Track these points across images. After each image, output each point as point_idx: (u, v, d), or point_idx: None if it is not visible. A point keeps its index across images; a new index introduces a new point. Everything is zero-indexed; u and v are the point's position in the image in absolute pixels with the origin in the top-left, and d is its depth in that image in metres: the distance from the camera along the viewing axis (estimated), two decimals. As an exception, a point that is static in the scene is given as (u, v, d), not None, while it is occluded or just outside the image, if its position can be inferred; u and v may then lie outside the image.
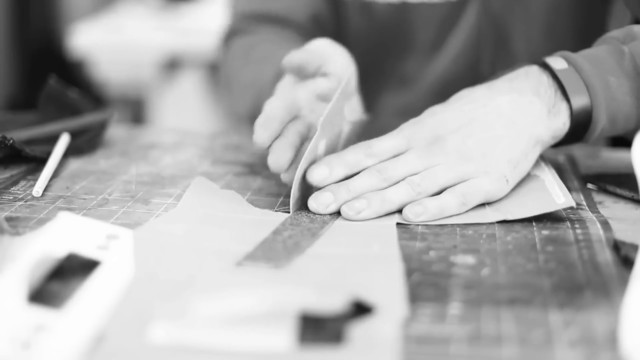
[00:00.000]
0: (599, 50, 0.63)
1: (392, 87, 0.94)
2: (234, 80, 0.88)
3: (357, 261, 0.51)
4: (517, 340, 0.42)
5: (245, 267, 0.49)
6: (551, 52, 0.65)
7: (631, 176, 0.63)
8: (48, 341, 0.39)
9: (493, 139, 0.60)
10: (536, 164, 0.64)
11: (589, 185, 0.67)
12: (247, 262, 0.50)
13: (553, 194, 0.60)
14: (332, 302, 0.43)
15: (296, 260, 0.51)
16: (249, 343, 0.41)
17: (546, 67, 0.62)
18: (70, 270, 0.47)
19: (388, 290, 0.46)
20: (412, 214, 0.58)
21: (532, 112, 0.60)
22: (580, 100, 0.60)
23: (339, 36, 0.93)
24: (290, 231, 0.55)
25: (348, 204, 0.58)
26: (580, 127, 0.62)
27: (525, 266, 0.50)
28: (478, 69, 0.90)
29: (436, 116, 0.61)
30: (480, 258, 0.52)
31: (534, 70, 0.63)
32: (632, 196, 0.63)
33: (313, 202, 0.59)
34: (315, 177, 0.59)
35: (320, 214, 0.58)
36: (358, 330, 0.42)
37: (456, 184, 0.59)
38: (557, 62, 0.62)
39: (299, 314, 0.42)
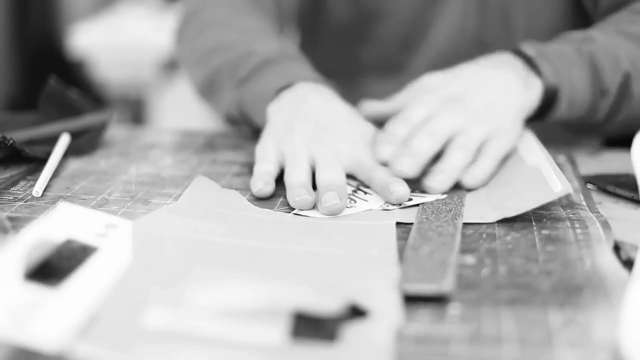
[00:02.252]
0: (564, 46, 0.73)
1: (381, 73, 0.94)
2: (194, 49, 0.86)
3: (356, 264, 0.51)
4: (517, 340, 0.42)
5: (408, 291, 0.47)
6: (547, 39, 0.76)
7: (631, 176, 0.63)
8: (43, 317, 0.40)
9: (497, 102, 0.68)
10: (534, 154, 0.65)
11: (589, 186, 0.67)
12: (409, 285, 0.47)
13: (551, 183, 0.59)
14: (328, 303, 0.42)
15: (294, 258, 0.51)
16: (242, 335, 0.41)
17: (519, 54, 0.73)
18: (68, 254, 0.48)
19: (384, 296, 0.46)
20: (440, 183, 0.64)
21: (513, 84, 0.70)
22: (549, 79, 0.70)
23: (313, 17, 0.93)
24: (425, 247, 0.53)
25: (431, 179, 0.64)
26: (544, 106, 0.71)
27: (525, 266, 0.50)
28: (474, 51, 0.91)
29: (442, 84, 0.70)
30: (480, 258, 0.52)
31: (508, 55, 0.73)
32: (632, 196, 0.63)
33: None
34: (385, 153, 0.65)
35: (444, 218, 0.58)
36: (352, 331, 0.42)
37: (485, 141, 0.66)
38: (528, 49, 0.72)
39: (295, 311, 0.42)
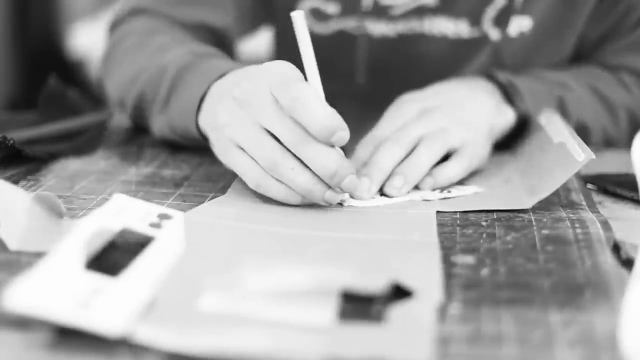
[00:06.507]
0: (537, 83, 0.77)
1: None
2: (118, 84, 0.81)
3: (399, 247, 0.53)
4: (517, 340, 0.42)
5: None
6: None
7: (631, 176, 0.63)
8: (104, 303, 0.42)
9: (471, 116, 0.69)
10: (559, 130, 0.67)
11: (589, 186, 0.67)
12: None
13: (574, 154, 0.61)
14: (373, 283, 0.44)
15: (340, 245, 0.53)
16: (293, 316, 0.42)
17: (491, 79, 0.76)
18: (125, 244, 0.49)
19: (426, 276, 0.47)
20: (426, 185, 0.64)
21: (487, 105, 0.72)
22: (521, 110, 0.74)
23: None
24: None
25: (389, 184, 0.63)
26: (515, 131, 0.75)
27: (525, 266, 0.51)
28: None
29: (417, 100, 0.69)
30: (480, 258, 0.52)
31: (482, 79, 0.76)
32: (632, 196, 0.63)
33: (388, 189, 0.63)
34: (364, 195, 0.63)
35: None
36: (397, 311, 0.43)
37: (459, 148, 0.66)
38: (501, 76, 0.76)
39: (342, 292, 0.44)
